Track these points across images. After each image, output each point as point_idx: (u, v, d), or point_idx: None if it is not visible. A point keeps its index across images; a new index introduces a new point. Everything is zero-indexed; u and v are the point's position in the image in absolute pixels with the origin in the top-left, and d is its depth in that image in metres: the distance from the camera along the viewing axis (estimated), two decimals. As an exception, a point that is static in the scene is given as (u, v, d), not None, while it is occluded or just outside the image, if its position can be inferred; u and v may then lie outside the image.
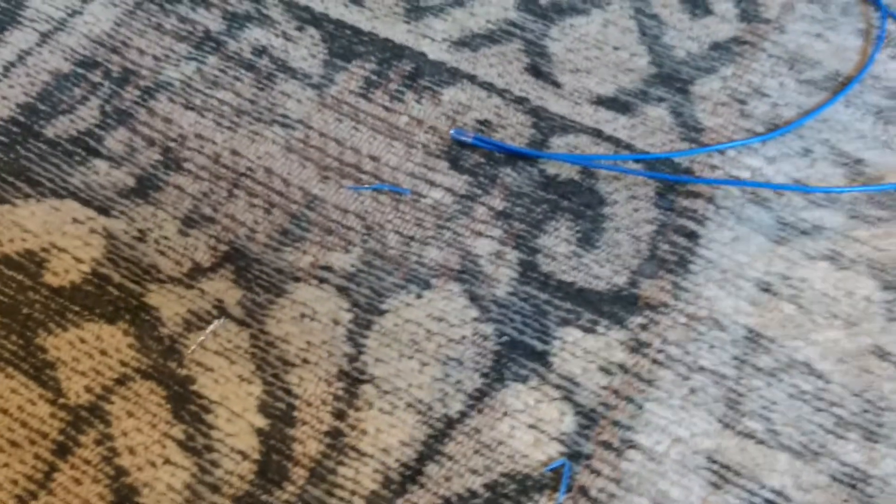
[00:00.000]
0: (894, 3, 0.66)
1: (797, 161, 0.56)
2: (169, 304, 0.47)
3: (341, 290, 0.48)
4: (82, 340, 0.45)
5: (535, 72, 0.60)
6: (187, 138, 0.54)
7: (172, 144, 0.54)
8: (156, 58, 0.59)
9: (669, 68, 0.61)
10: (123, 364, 0.45)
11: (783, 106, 0.59)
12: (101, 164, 0.53)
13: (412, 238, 0.51)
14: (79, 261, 0.48)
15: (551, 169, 0.55)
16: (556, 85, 0.59)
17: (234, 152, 0.54)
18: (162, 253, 0.49)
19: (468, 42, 0.62)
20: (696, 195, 0.54)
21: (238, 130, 0.55)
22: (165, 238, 0.50)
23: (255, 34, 0.61)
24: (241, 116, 0.56)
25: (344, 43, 0.61)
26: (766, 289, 0.50)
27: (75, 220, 0.50)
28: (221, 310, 0.47)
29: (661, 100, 0.59)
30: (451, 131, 0.55)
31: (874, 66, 0.62)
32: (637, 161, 0.56)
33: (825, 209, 0.53)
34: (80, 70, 0.58)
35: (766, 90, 0.60)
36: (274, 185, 0.53)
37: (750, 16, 0.65)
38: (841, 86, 0.60)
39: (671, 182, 0.54)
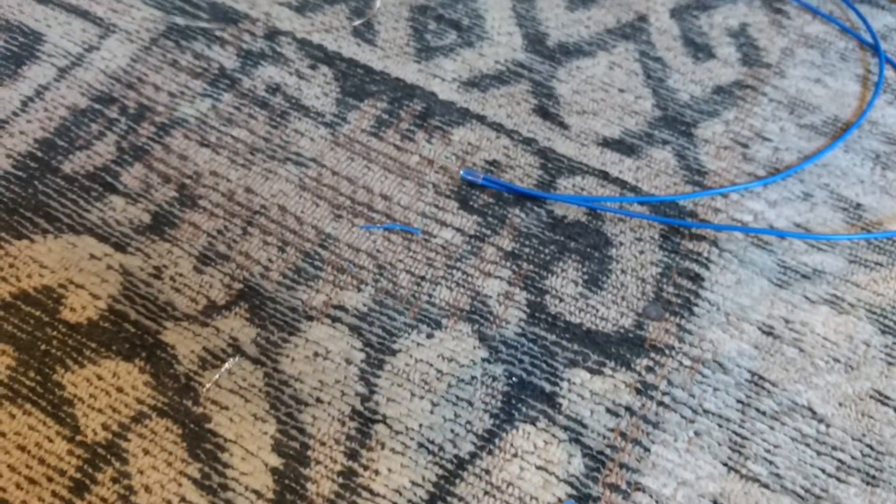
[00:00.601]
0: (892, 50, 0.68)
1: (798, 205, 0.57)
2: (184, 342, 0.48)
3: (354, 330, 0.49)
4: (99, 377, 0.46)
5: (543, 113, 0.61)
6: (202, 175, 0.55)
7: (188, 181, 0.55)
8: (171, 94, 0.60)
9: (673, 111, 0.62)
10: (140, 402, 0.45)
11: (784, 150, 0.60)
12: (117, 201, 0.54)
13: (423, 278, 0.52)
14: (95, 297, 0.49)
15: (559, 210, 0.56)
16: (564, 126, 0.61)
17: (249, 190, 0.55)
18: (177, 290, 0.50)
19: (477, 82, 0.63)
20: (700, 238, 0.55)
21: (252, 168, 0.56)
22: (181, 275, 0.50)
23: (269, 72, 0.62)
24: (255, 154, 0.57)
25: (356, 82, 0.62)
26: (768, 332, 0.51)
27: (92, 257, 0.51)
28: (236, 348, 0.48)
29: (665, 142, 0.60)
30: (461, 171, 0.57)
31: (872, 111, 0.63)
32: (642, 203, 0.57)
33: (825, 253, 0.55)
34: (96, 106, 0.59)
35: (767, 134, 0.61)
36: (287, 223, 0.54)
37: (751, 60, 0.66)
38: (840, 131, 0.62)
39: (676, 225, 0.55)
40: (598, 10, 0.69)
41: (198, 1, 0.66)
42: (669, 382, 0.48)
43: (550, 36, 0.67)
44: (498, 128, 0.60)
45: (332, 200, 0.55)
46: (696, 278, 0.53)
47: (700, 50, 0.67)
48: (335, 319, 0.49)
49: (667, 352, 0.50)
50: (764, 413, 0.48)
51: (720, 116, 0.62)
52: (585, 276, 0.53)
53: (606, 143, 0.60)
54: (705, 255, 0.54)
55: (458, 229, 0.54)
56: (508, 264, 0.53)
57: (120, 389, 0.46)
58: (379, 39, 0.65)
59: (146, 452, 0.44)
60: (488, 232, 0.54)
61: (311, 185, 0.56)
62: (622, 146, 0.60)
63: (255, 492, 0.43)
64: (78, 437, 0.44)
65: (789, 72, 0.66)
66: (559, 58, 0.65)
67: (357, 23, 0.66)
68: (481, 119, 0.61)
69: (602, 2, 0.70)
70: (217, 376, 0.46)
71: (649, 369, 0.49)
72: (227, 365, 0.47)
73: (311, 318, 0.49)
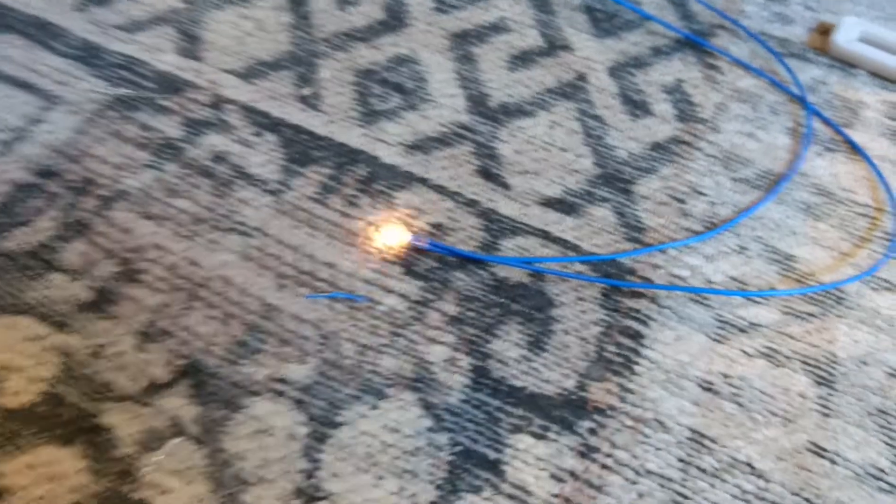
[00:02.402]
0: (820, 103, 0.71)
1: (733, 259, 0.59)
2: (125, 424, 0.47)
3: (297, 403, 0.49)
4: (36, 465, 0.45)
5: (486, 174, 0.63)
6: (145, 249, 0.55)
7: (130, 255, 0.55)
8: (115, 166, 0.60)
9: (612, 168, 0.64)
10: (77, 489, 0.45)
11: (720, 204, 0.62)
12: (58, 278, 0.53)
13: (367, 347, 0.52)
14: (34, 380, 0.49)
15: (502, 272, 0.57)
16: (506, 187, 0.62)
17: (192, 262, 0.55)
18: (118, 369, 0.49)
19: (421, 145, 0.64)
20: (640, 295, 0.56)
21: (196, 239, 0.56)
22: (122, 354, 0.50)
23: (214, 140, 0.63)
24: (198, 225, 0.57)
25: (301, 148, 0.63)
26: (707, 388, 0.52)
27: (31, 338, 0.50)
28: (178, 427, 0.47)
29: (604, 200, 0.62)
30: (409, 237, 0.57)
31: (803, 164, 0.66)
32: (583, 262, 0.58)
33: (761, 306, 0.56)
34: (39, 180, 0.59)
35: (703, 189, 0.63)
36: (231, 295, 0.54)
37: (687, 116, 0.69)
38: (772, 183, 0.64)
39: (616, 285, 0.57)
40: (539, 69, 0.71)
41: (143, 70, 0.67)
42: (612, 444, 0.49)
43: (492, 97, 0.68)
44: (441, 190, 0.61)
45: (276, 270, 0.55)
46: (637, 336, 0.54)
47: (638, 107, 0.69)
48: (279, 394, 0.49)
49: (609, 413, 0.50)
50: (704, 471, 0.49)
51: (657, 173, 0.64)
52: (529, 339, 0.53)
53: (548, 203, 0.61)
54: (644, 312, 0.55)
55: (402, 295, 0.55)
56: (452, 329, 0.53)
57: (57, 477, 0.45)
58: (324, 104, 0.66)
59: (84, 542, 0.43)
60: (432, 297, 0.55)
61: (255, 255, 0.56)
62: (563, 205, 0.61)
63: (197, 578, 0.42)
64: (13, 529, 0.43)
65: (723, 126, 0.68)
66: (501, 118, 0.67)
67: (305, 92, 0.67)
68: (424, 182, 0.62)
69: (543, 62, 0.72)
70: (159, 458, 0.46)
71: (592, 432, 0.50)
72: (169, 444, 0.46)
73: (254, 394, 0.49)
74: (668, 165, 0.65)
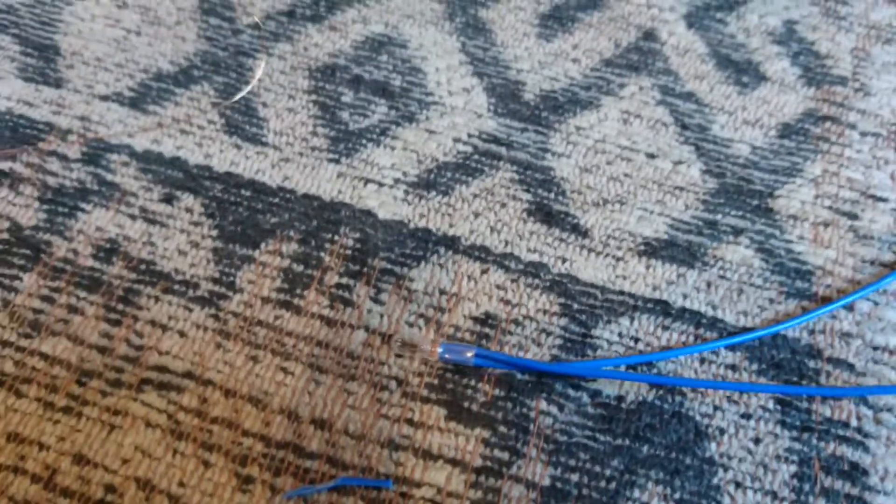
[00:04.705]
0: None
1: (960, 304, 0.37)
2: None
3: None
4: None
5: (544, 214, 0.39)
6: (-8, 447, 0.31)
7: (-35, 466, 0.31)
8: (-71, 293, 0.35)
9: (734, 177, 0.41)
10: None
11: (909, 213, 0.40)
12: None
13: (413, 582, 0.29)
14: None
15: (609, 388, 0.34)
16: (580, 232, 0.39)
17: (80, 459, 0.31)
18: None
19: (434, 181, 0.40)
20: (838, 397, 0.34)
21: (84, 412, 0.32)
22: None
23: (97, 220, 0.38)
24: (85, 383, 0.33)
25: (242, 213, 0.39)
26: None
27: None
28: None
29: (736, 231, 0.39)
30: (440, 348, 0.34)
31: None
32: (731, 348, 0.36)
33: None
34: None
35: (878, 191, 0.41)
36: (156, 516, 0.30)
37: (816, 76, 0.46)
38: (973, 166, 0.42)
39: (799, 395, 0.34)
40: (584, 32, 0.47)
41: (-33, 114, 0.42)
42: None
43: (527, 84, 0.44)
44: (481, 254, 0.38)
45: (229, 450, 0.32)
46: (854, 473, 0.32)
47: (742, 71, 0.46)
48: None
49: None
50: None
51: (802, 174, 0.41)
52: (682, 510, 0.31)
53: (651, 250, 0.38)
54: (854, 424, 0.33)
55: (453, 462, 0.32)
56: (552, 516, 0.31)
57: None
58: (268, 131, 0.42)
59: None
60: (505, 455, 0.32)
61: (188, 425, 0.32)
62: (676, 250, 0.38)
63: None
64: None
65: (873, 84, 0.45)
66: (547, 117, 0.43)
67: (230, 101, 0.42)
68: (452, 244, 0.38)
69: (586, 19, 0.48)
70: None
71: None
72: None
73: None
74: (815, 159, 0.42)
